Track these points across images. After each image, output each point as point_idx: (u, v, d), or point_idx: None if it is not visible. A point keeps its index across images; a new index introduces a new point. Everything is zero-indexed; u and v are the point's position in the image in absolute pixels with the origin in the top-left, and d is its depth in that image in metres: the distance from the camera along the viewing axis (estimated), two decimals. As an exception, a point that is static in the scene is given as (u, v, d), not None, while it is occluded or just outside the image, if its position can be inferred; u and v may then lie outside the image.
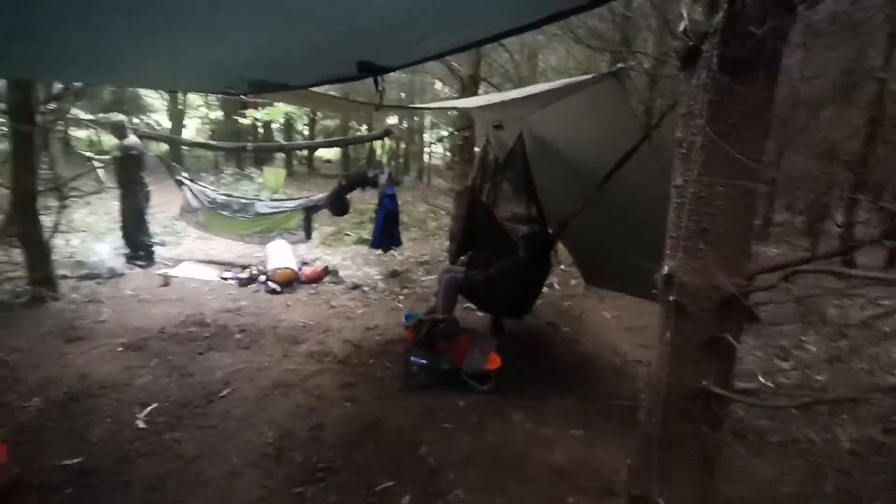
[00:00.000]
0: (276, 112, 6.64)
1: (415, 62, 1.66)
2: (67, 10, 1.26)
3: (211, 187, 6.24)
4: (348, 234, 7.62)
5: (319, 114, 18.22)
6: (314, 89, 2.11)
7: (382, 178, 5.38)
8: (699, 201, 1.43)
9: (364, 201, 7.53)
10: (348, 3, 1.24)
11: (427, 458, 2.67)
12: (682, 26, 1.45)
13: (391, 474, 2.53)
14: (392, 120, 16.31)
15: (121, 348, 3.71)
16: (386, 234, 5.36)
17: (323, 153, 20.21)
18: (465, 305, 4.38)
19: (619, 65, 2.26)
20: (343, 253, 6.84)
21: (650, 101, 5.63)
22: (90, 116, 9.34)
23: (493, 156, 4.39)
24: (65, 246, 5.72)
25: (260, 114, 6.93)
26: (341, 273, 5.86)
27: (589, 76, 2.29)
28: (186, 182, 5.94)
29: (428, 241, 7.50)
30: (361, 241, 7.18)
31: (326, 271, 5.75)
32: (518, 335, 4.31)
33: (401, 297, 5.26)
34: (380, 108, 1.72)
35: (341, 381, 3.45)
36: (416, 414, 3.08)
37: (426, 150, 17.67)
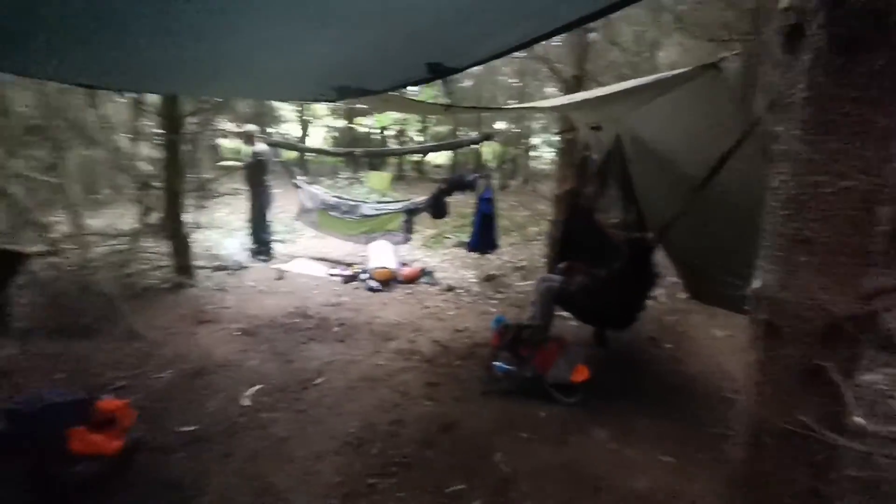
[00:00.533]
0: (385, 118, 6.98)
1: (482, 61, 1.63)
2: (176, 30, 1.44)
3: (323, 190, 6.75)
4: (448, 237, 7.76)
5: (433, 119, 18.90)
6: (394, 93, 2.19)
7: (480, 182, 5.43)
8: (800, 205, 1.22)
9: (469, 204, 7.63)
10: (410, 2, 1.26)
11: (501, 466, 2.62)
12: (784, 1, 1.26)
13: (463, 477, 2.52)
14: (500, 125, 16.36)
15: (238, 333, 4.16)
16: (482, 236, 5.39)
17: (433, 158, 20.87)
18: (560, 314, 4.21)
19: (722, 55, 2.02)
20: (442, 255, 6.99)
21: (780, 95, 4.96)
22: (233, 127, 10.64)
23: (593, 158, 4.19)
24: (204, 240, 6.57)
25: (371, 120, 7.35)
26: (438, 275, 5.99)
27: (687, 69, 2.08)
28: (303, 185, 6.49)
29: (527, 246, 7.37)
30: (461, 244, 7.26)
31: (423, 272, 5.92)
32: (612, 348, 4.05)
33: (493, 301, 5.23)
34: (448, 110, 1.73)
35: (426, 379, 3.52)
36: (494, 420, 3.04)
37: (532, 153, 17.41)
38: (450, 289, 5.56)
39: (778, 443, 1.29)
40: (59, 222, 4.88)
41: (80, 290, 4.21)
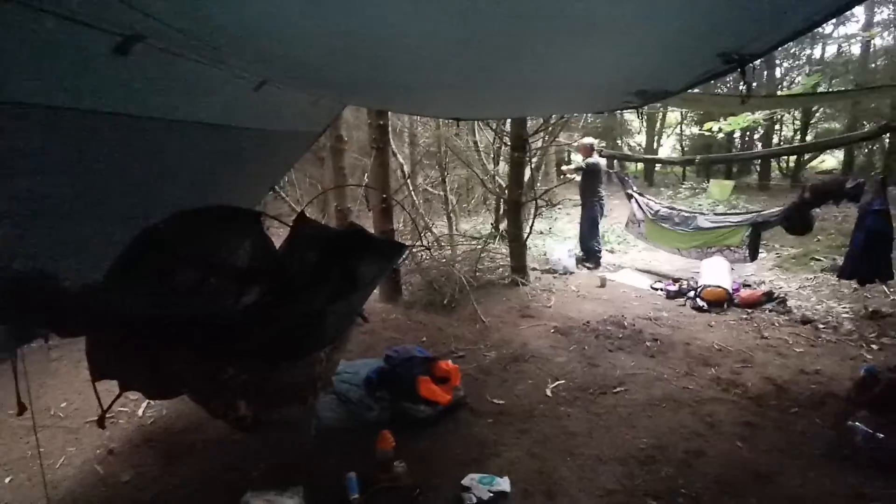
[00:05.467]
0: (737, 121, 6.14)
1: (780, 43, 1.32)
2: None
3: (655, 200, 6.47)
4: (818, 259, 6.19)
5: (820, 114, 15.22)
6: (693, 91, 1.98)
7: (867, 189, 4.18)
8: None
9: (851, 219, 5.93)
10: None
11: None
12: None
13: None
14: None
15: (553, 330, 4.52)
16: (865, 261, 4.16)
17: (819, 162, 16.77)
18: None
19: None
20: (802, 280, 5.65)
21: None
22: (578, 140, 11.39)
23: None
24: (541, 245, 7.34)
25: (721, 124, 6.57)
26: (791, 302, 4.90)
27: None
28: (635, 195, 6.42)
29: (956, 279, 5.13)
30: (834, 269, 5.71)
31: (769, 297, 4.95)
32: None
33: (872, 347, 3.93)
34: (746, 102, 1.48)
35: (742, 418, 3.02)
36: (831, 493, 2.36)
37: None
38: (806, 321, 4.48)
39: None
40: (436, 225, 6.40)
41: (445, 278, 5.44)
